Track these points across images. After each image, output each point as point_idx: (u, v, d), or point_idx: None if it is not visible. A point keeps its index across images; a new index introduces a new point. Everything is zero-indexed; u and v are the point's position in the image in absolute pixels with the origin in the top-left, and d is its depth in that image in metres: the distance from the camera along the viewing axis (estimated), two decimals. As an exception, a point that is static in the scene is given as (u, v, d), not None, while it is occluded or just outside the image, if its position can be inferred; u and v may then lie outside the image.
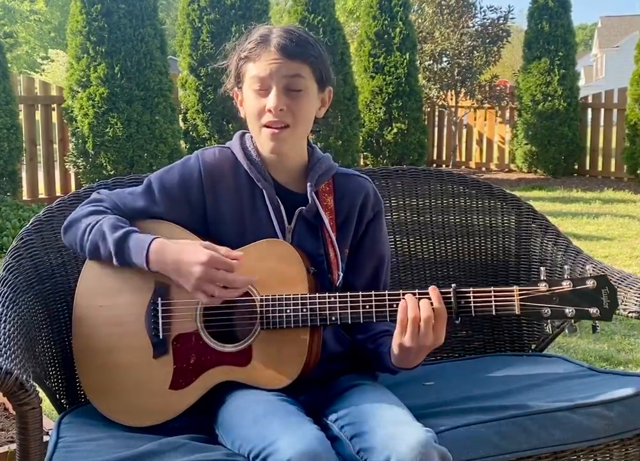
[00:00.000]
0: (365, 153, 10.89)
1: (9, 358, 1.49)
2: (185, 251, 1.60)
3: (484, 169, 11.92)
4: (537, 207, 2.32)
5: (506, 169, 11.69)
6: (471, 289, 1.58)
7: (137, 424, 1.66)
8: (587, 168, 11.14)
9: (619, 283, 1.97)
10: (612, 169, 10.94)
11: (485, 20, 11.96)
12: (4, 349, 1.52)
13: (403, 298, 1.57)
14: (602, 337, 3.93)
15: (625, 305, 1.89)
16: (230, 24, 8.65)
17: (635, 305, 1.89)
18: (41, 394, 1.55)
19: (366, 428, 1.49)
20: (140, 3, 8.02)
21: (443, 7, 11.72)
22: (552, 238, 2.23)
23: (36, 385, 1.54)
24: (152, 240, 1.63)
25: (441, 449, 1.46)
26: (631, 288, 1.94)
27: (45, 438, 1.59)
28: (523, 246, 2.26)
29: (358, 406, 1.57)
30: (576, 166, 11.13)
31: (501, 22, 11.84)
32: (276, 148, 1.68)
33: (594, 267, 1.96)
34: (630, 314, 1.88)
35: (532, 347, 2.26)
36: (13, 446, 2.10)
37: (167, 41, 8.62)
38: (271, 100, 1.64)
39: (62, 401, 1.86)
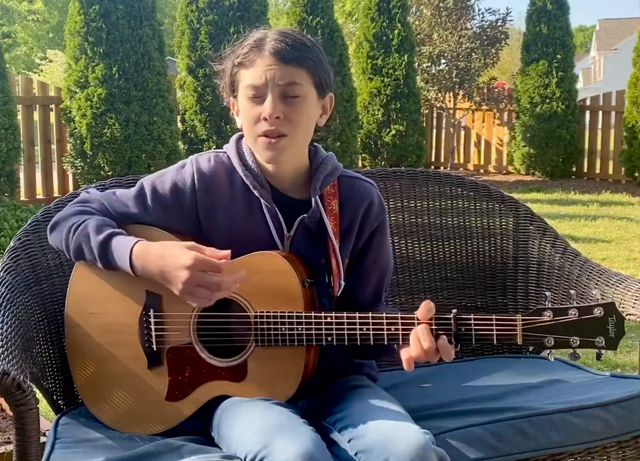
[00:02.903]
0: (363, 155, 10.90)
1: (7, 359, 1.49)
2: (168, 255, 1.53)
3: (482, 171, 11.93)
4: (535, 209, 2.32)
5: (504, 172, 11.70)
6: (472, 315, 1.52)
7: (135, 433, 1.64)
8: (585, 170, 11.16)
9: (617, 286, 1.97)
10: (610, 171, 10.95)
11: (483, 23, 11.98)
12: (1, 350, 1.52)
13: (401, 322, 1.53)
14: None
15: (623, 307, 1.89)
16: (229, 25, 8.64)
17: (633, 307, 1.89)
18: (39, 395, 1.55)
19: (364, 430, 1.49)
20: (138, 4, 8.03)
21: (442, 9, 11.72)
22: (549, 240, 2.23)
23: (33, 385, 1.53)
24: (135, 243, 1.57)
25: (439, 451, 1.46)
26: (629, 290, 1.94)
27: (42, 439, 1.58)
28: (521, 248, 2.25)
29: (356, 408, 1.57)
30: (574, 169, 11.14)
31: (499, 24, 11.85)
32: (273, 157, 1.61)
33: (599, 290, 1.94)
34: (628, 317, 1.87)
35: (530, 350, 2.25)
36: (10, 447, 2.10)
37: (165, 42, 8.62)
38: (267, 107, 1.56)
39: (59, 402, 1.85)
